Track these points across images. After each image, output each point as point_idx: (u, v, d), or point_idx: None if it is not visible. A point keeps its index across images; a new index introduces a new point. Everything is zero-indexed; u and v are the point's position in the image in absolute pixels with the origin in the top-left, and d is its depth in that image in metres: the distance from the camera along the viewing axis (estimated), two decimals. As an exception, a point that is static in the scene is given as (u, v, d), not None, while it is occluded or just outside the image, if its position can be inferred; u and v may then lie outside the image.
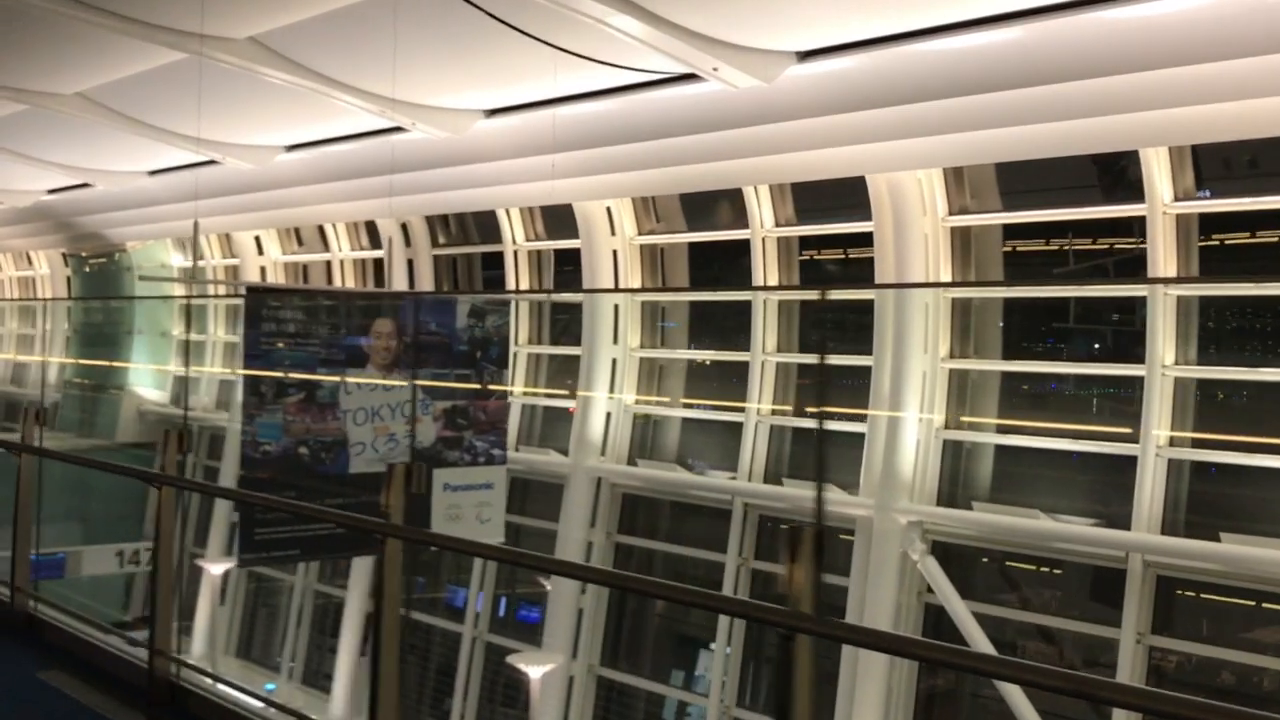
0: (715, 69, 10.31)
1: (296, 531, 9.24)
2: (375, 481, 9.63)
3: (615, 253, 15.37)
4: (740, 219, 14.64)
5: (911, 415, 11.99)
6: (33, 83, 14.84)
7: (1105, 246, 12.63)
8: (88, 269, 27.48)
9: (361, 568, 18.18)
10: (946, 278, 12.21)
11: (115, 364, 24.98)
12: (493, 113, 13.95)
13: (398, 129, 14.69)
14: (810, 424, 13.62)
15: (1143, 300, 11.18)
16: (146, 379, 24.97)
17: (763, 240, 13.80)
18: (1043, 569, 12.35)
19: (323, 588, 19.81)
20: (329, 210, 18.67)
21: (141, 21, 11.32)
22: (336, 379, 9.53)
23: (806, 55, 10.79)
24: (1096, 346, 12.46)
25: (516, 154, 13.87)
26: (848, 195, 13.54)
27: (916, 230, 12.00)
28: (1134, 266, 12.85)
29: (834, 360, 13.59)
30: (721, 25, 10.02)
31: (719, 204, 15.34)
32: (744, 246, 14.65)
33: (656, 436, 15.61)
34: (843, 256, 13.85)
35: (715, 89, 10.94)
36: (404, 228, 18.54)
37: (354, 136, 15.89)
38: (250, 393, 9.23)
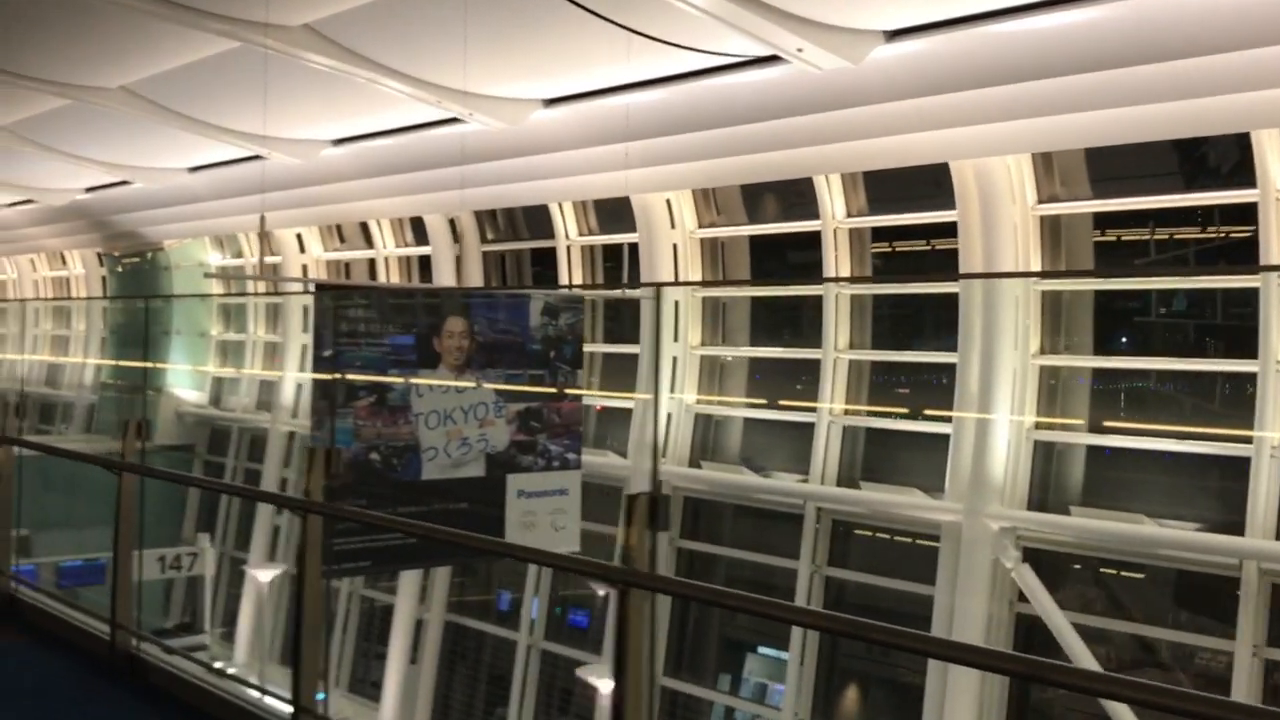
0: (800, 50, 9.72)
1: (371, 542, 8.72)
2: (449, 488, 9.13)
3: (675, 246, 14.82)
4: (787, 212, 14.12)
5: (1003, 415, 11.37)
6: (77, 76, 14.38)
7: (1196, 235, 12.02)
8: (121, 268, 27.10)
9: (413, 573, 17.70)
10: (1037, 269, 11.60)
11: (154, 365, 24.58)
12: (552, 102, 13.40)
13: (451, 120, 14.17)
14: (887, 425, 13.03)
15: (1243, 293, 10.58)
16: (185, 380, 24.56)
17: (834, 231, 13.20)
18: (1123, 574, 11.73)
19: (369, 593, 19.33)
20: (375, 206, 18.17)
21: (197, 9, 10.81)
22: (403, 380, 8.99)
23: (895, 35, 10.18)
24: (1192, 341, 11.83)
25: (578, 144, 13.32)
26: (922, 183, 12.96)
27: (1005, 219, 11.38)
28: (1218, 256, 12.23)
29: (915, 357, 12.99)
30: (808, 3, 9.43)
31: (764, 197, 14.82)
32: (808, 239, 14.10)
33: (718, 438, 15.04)
34: (924, 248, 13.21)
35: (796, 72, 10.35)
36: (452, 224, 18.04)
37: (404, 129, 15.36)
38: (320, 396, 8.71)
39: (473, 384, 9.27)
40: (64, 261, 30.81)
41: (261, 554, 20.95)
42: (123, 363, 25.40)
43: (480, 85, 12.82)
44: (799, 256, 15.64)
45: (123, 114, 15.89)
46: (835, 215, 13.18)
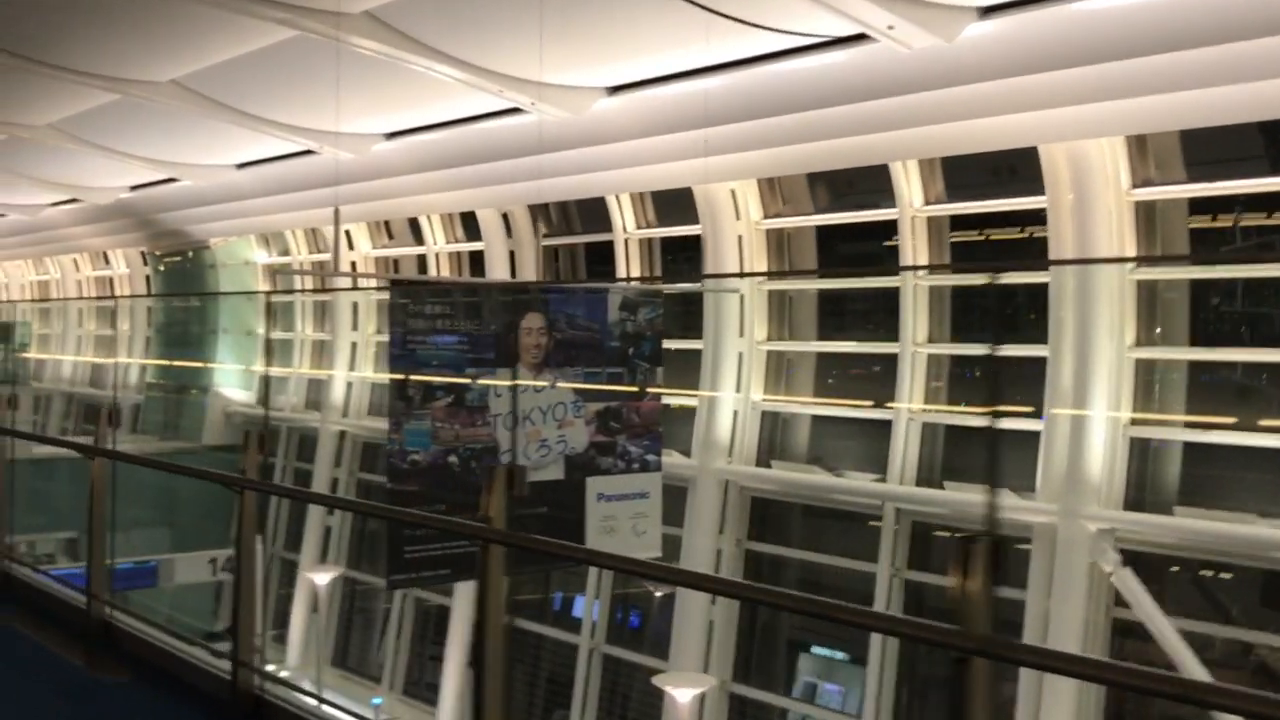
0: (891, 27, 9.23)
1: (448, 549, 8.31)
2: (530, 494, 8.69)
3: (740, 238, 14.33)
4: (838, 202, 13.64)
5: (1099, 411, 10.83)
6: (127, 70, 14.06)
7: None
8: (165, 267, 26.87)
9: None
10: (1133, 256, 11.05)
11: (200, 365, 24.34)
12: (616, 90, 12.95)
13: (510, 111, 13.75)
14: (969, 422, 12.50)
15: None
16: (232, 379, 24.30)
17: (912, 219, 12.68)
18: (1223, 575, 11.17)
19: (423, 594, 18.97)
20: (427, 201, 17.77)
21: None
22: (472, 379, 8.57)
23: (988, 11, 9.67)
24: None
25: (644, 133, 12.87)
26: (1002, 169, 12.44)
27: (1101, 205, 10.83)
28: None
29: (1002, 350, 12.45)
30: (901, -22, 8.94)
31: (816, 186, 14.36)
32: (878, 229, 13.61)
33: (785, 436, 14.55)
34: (1014, 235, 12.64)
35: (884, 52, 9.85)
36: (505, 218, 17.63)
37: (460, 121, 14.95)
38: (396, 396, 8.30)
39: (549, 383, 8.83)
40: (106, 261, 30.65)
41: (314, 556, 20.66)
42: (166, 362, 25.16)
43: (546, 73, 12.38)
44: (850, 248, 15.18)
45: (171, 109, 15.59)
46: (913, 203, 12.65)
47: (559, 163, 14.55)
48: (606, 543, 9.08)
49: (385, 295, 21.11)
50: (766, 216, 14.37)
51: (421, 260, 19.93)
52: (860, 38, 9.78)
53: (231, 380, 24.33)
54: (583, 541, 8.93)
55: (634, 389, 9.41)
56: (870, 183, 13.83)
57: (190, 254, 24.91)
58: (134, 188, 22.64)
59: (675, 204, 15.67)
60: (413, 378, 8.26)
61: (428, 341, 8.38)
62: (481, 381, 8.54)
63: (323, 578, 17.10)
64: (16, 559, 7.69)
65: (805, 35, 9.75)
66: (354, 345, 21.12)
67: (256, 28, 12.47)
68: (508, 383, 8.65)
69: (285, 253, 23.66)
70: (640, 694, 15.24)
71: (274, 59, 13.87)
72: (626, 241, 16.06)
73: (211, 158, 18.95)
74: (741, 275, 14.49)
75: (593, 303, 9.20)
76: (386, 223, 20.96)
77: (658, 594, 15.62)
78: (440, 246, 19.38)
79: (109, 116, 16.95)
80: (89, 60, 13.94)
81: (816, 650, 14.10)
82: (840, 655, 13.78)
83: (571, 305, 9.07)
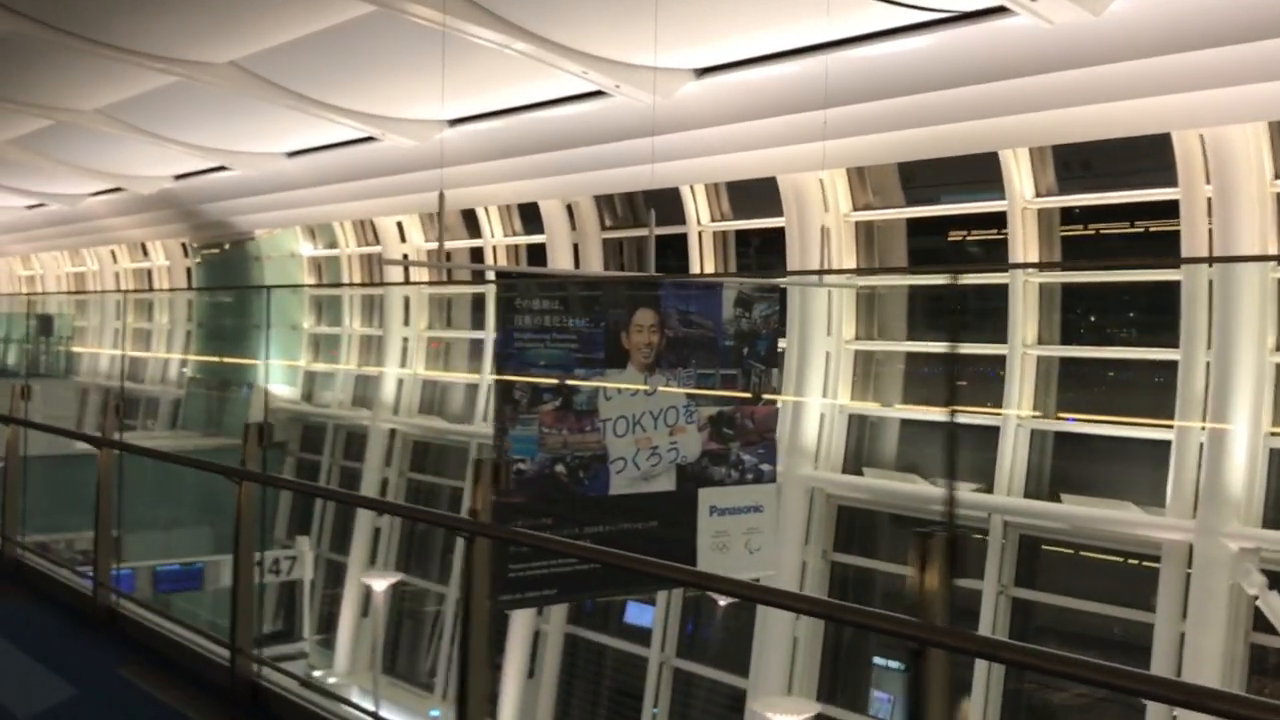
0: None
1: (555, 567, 7.56)
2: (637, 505, 7.93)
3: (825, 230, 13.50)
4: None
5: (1239, 420, 9.98)
6: (185, 50, 13.35)
7: None
8: (205, 259, 26.22)
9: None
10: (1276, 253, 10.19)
11: (244, 360, 23.71)
12: (705, 72, 12.17)
13: (587, 95, 12.99)
14: (1084, 430, 11.67)
15: None
16: (276, 374, 23.63)
17: (1022, 212, 11.83)
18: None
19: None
20: (491, 191, 17.02)
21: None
22: (581, 379, 7.80)
23: (1139, -18, 8.83)
24: None
25: (738, 118, 12.08)
26: (1119, 158, 11.59)
27: (1244, 197, 9.97)
28: None
29: (1122, 354, 11.59)
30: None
31: (907, 176, 13.53)
32: (974, 222, 12.81)
33: (873, 442, 13.75)
34: (1131, 229, 11.77)
35: (1023, 28, 9.02)
36: (569, 209, 16.87)
37: (530, 107, 14.18)
38: (503, 400, 7.54)
39: (660, 385, 8.06)
40: (145, 253, 30.07)
41: (362, 558, 19.99)
42: (209, 357, 24.52)
43: (631, 54, 11.63)
44: (934, 242, 14.35)
45: (226, 93, 14.89)
46: (1024, 194, 11.81)
47: (635, 151, 13.78)
48: (718, 561, 8.31)
49: (439, 289, 20.42)
50: (856, 208, 13.56)
51: (477, 253, 19.19)
52: (999, 10, 8.95)
53: (275, 375, 23.66)
54: (693, 562, 8.17)
55: (747, 394, 8.61)
56: (967, 173, 13.03)
57: (234, 246, 24.25)
58: (178, 177, 21.99)
59: (750, 196, 14.91)
60: (519, 379, 7.49)
61: (537, 339, 7.62)
62: (592, 383, 7.77)
63: (380, 583, 16.36)
64: (27, 547, 7.87)
65: (941, 10, 8.92)
66: (405, 340, 20.41)
67: (325, 5, 11.77)
68: (622, 385, 7.87)
69: (332, 245, 22.98)
70: (719, 713, 14.47)
71: (336, 40, 13.16)
72: (700, 235, 15.27)
73: (263, 145, 18.25)
74: (817, 272, 13.65)
75: (707, 298, 8.42)
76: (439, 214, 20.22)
77: (721, 602, 14.85)
78: (498, 239, 18.64)
79: (159, 101, 16.27)
80: (145, 40, 13.24)
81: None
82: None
83: (685, 301, 8.30)
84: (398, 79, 14.43)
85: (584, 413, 7.87)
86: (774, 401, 9.00)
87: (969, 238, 13.06)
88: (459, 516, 4.75)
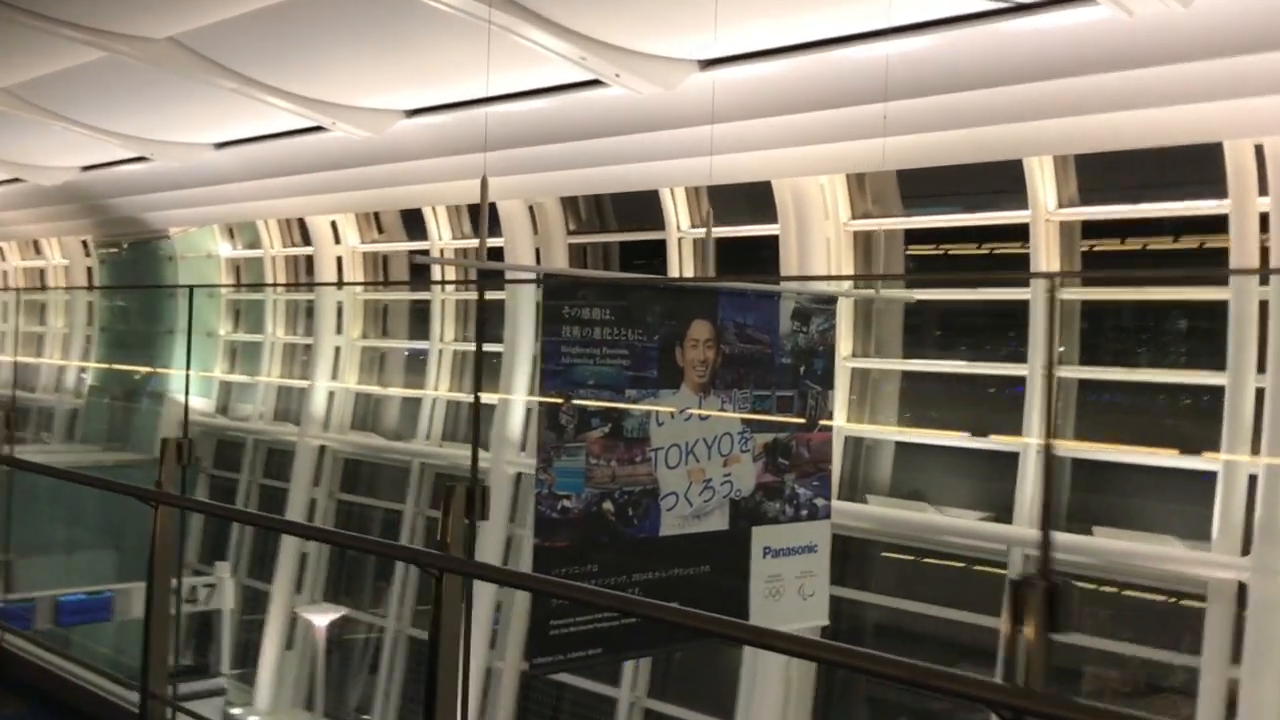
0: (1121, -13, 7.59)
1: (600, 623, 6.46)
2: (688, 547, 6.88)
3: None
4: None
5: (1297, 451, 9.31)
6: (121, 22, 11.91)
7: None
8: (110, 259, 24.36)
9: (479, 610, 15.36)
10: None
11: (154, 369, 21.98)
12: (710, 64, 11.19)
13: (583, 84, 11.92)
14: (1110, 456, 10.93)
15: None
16: (189, 385, 21.95)
17: (1045, 224, 11.08)
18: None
19: (420, 632, 16.92)
20: (448, 190, 15.78)
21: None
22: (633, 401, 6.73)
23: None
24: None
25: (759, 113, 11.12)
26: (1143, 170, 10.92)
27: (1304, 211, 9.32)
28: None
29: (1163, 376, 10.86)
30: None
31: (906, 184, 12.75)
32: (985, 234, 12.08)
33: (869, 467, 12.87)
34: (1170, 245, 11.07)
35: (1102, 21, 8.21)
36: (531, 211, 15.73)
37: (507, 97, 13.02)
38: (547, 425, 6.43)
39: (715, 409, 7.02)
40: (38, 250, 27.96)
41: (288, 585, 18.49)
42: (126, 365, 22.70)
43: (637, 41, 10.60)
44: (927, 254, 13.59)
45: (157, 74, 13.42)
46: (1047, 206, 11.05)
47: (624, 148, 12.77)
48: (771, 610, 7.29)
49: (376, 296, 19.07)
50: (855, 216, 12.71)
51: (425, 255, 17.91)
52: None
53: (189, 385, 21.98)
54: (746, 614, 7.14)
55: (802, 418, 7.62)
56: (973, 183, 12.30)
57: (143, 244, 22.50)
58: (86, 168, 20.24)
59: (732, 201, 13.99)
60: (555, 398, 6.38)
61: (586, 354, 6.52)
62: (643, 406, 6.70)
63: (321, 619, 14.92)
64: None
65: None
66: (337, 350, 19.00)
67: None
68: (676, 408, 6.79)
69: (253, 245, 21.44)
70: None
71: (290, 18, 11.91)
72: (680, 241, 14.27)
73: (190, 134, 16.72)
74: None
75: (764, 309, 7.41)
76: (376, 215, 18.91)
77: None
78: (446, 241, 17.38)
79: (76, 81, 14.71)
80: (73, 9, 11.77)
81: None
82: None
83: (742, 311, 7.28)
84: (359, 64, 13.18)
85: (634, 440, 6.79)
86: (829, 427, 8.02)
87: (979, 250, 12.28)
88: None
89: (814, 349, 7.70)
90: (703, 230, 14.31)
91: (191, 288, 21.01)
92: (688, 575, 6.96)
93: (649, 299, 6.93)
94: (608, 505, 6.65)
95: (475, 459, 5.87)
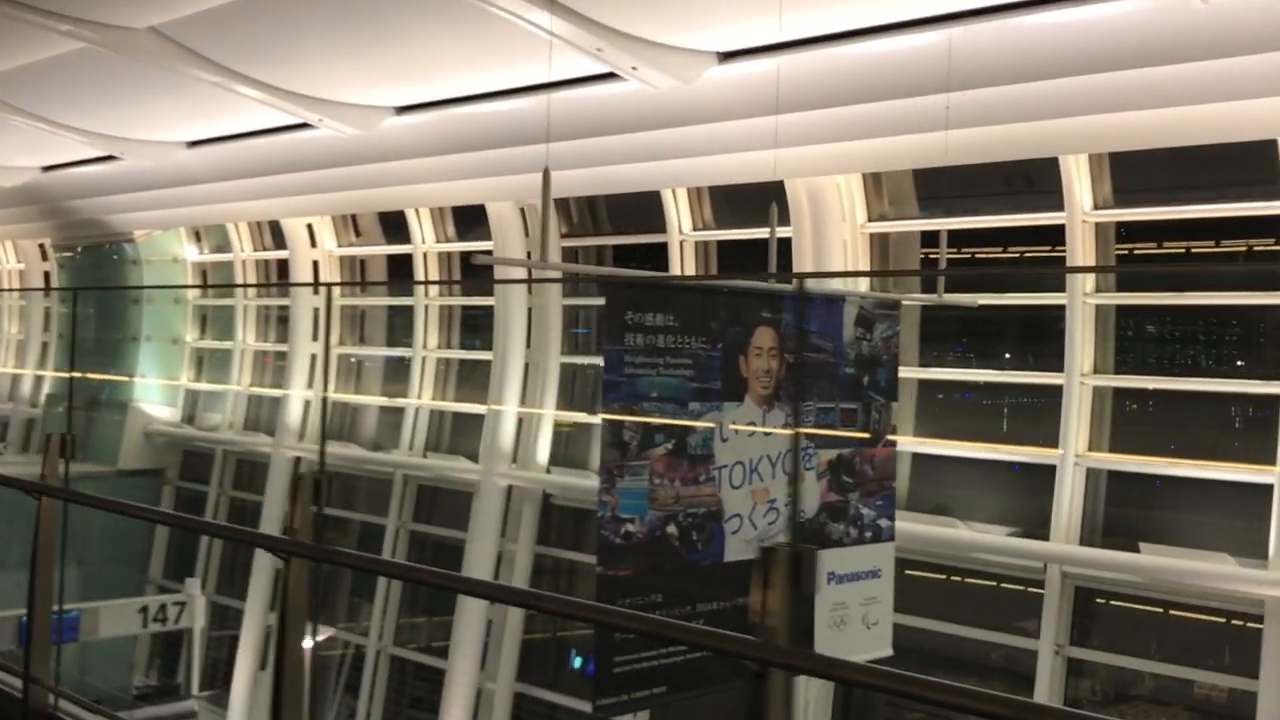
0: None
1: (668, 658, 5.85)
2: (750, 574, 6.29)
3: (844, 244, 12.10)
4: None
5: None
6: (101, 13, 11.14)
7: None
8: (65, 262, 23.37)
9: (465, 624, 14.68)
10: None
11: (117, 377, 21.05)
12: (729, 56, 10.63)
13: (585, 80, 11.30)
14: (1150, 469, 10.47)
15: None
16: (154, 394, 21.05)
17: (1081, 224, 10.60)
18: None
19: (401, 652, 16.20)
20: (436, 191, 15.10)
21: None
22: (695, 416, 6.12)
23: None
24: None
25: (783, 108, 10.53)
26: (1182, 170, 10.50)
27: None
28: None
29: (1221, 386, 10.40)
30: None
31: (924, 184, 12.31)
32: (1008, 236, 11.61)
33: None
34: (1226, 248, 10.60)
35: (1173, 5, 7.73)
36: (523, 213, 15.09)
37: (512, 92, 12.38)
38: (610, 442, 5.80)
39: (779, 424, 6.43)
40: (-10, 254, 26.88)
41: (262, 603, 17.67)
42: (87, 373, 21.74)
43: (657, 31, 10.00)
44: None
45: (133, 67, 12.67)
46: (1083, 207, 10.58)
47: (630, 146, 12.16)
48: (836, 640, 6.71)
49: (356, 301, 18.32)
50: (871, 219, 12.19)
51: (405, 261, 17.21)
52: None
53: (152, 394, 21.07)
54: (810, 641, 6.55)
55: (866, 433, 7.05)
56: (990, 184, 11.84)
57: (105, 248, 21.58)
58: (48, 168, 19.32)
59: (740, 202, 13.48)
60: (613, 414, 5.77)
61: (649, 365, 5.91)
62: (704, 422, 6.09)
63: (306, 640, 14.10)
64: None
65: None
66: (313, 357, 18.23)
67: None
68: (739, 423, 6.19)
69: (219, 249, 20.61)
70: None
71: (274, 10, 11.25)
72: (682, 244, 13.69)
73: (162, 132, 15.90)
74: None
75: (828, 315, 6.83)
76: (354, 218, 18.16)
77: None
78: (430, 245, 16.68)
79: (44, 76, 13.89)
80: (49, -3, 11.00)
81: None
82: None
83: (806, 317, 6.70)
84: (348, 57, 12.49)
85: (698, 458, 6.19)
86: (893, 442, 7.46)
87: (1005, 254, 11.80)
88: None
89: (877, 357, 7.15)
90: (705, 232, 13.79)
91: (215, 286, 20.11)
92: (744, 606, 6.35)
93: (712, 303, 6.34)
94: (671, 529, 6.05)
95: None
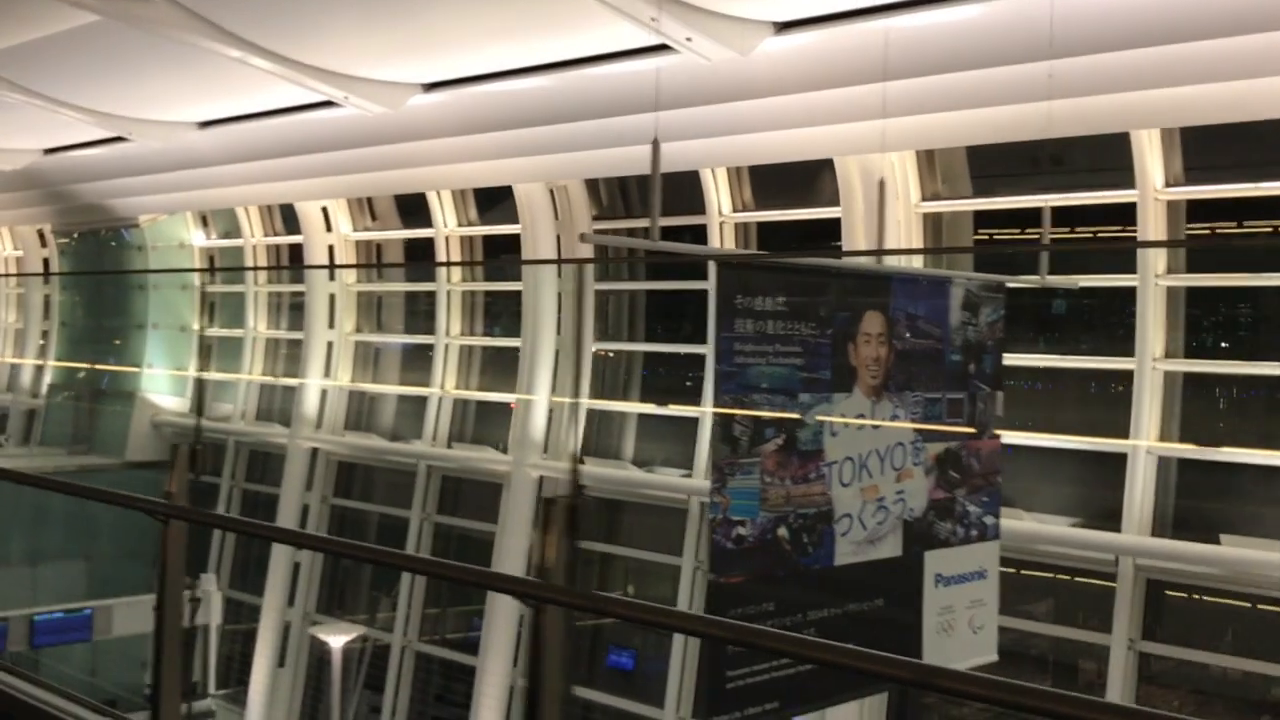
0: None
1: (776, 670, 5.39)
2: (862, 578, 5.74)
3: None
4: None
5: None
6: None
7: None
8: (66, 249, 22.75)
9: (500, 624, 14.21)
10: None
11: (123, 366, 20.50)
12: (786, 26, 10.11)
13: (635, 52, 10.78)
14: (1227, 458, 10.02)
15: None
16: (162, 384, 20.49)
17: (1153, 202, 10.14)
18: None
19: (427, 648, 15.73)
20: (462, 172, 14.56)
21: None
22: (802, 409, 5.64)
23: None
24: None
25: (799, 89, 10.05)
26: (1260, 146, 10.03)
27: None
28: None
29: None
30: None
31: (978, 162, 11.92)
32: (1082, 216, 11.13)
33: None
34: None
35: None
36: (552, 195, 14.57)
37: (547, 67, 11.84)
38: (721, 438, 5.32)
39: (888, 416, 5.95)
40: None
41: (280, 598, 17.19)
42: (93, 363, 21.17)
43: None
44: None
45: (145, 41, 12.11)
46: (1155, 184, 10.11)
47: (666, 124, 11.60)
48: (944, 646, 6.27)
49: (370, 287, 17.80)
50: (925, 198, 11.71)
51: (425, 246, 16.67)
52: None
53: (160, 384, 20.52)
54: (918, 653, 6.10)
55: (971, 426, 6.58)
56: (1043, 161, 11.38)
57: (107, 234, 20.98)
58: (49, 150, 18.70)
59: (773, 183, 13.01)
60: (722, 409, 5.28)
61: (759, 353, 5.43)
62: (817, 416, 5.60)
63: (337, 639, 13.63)
64: None
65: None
66: (330, 345, 17.69)
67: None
68: (849, 417, 5.71)
69: (228, 234, 20.03)
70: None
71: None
72: (722, 226, 13.18)
73: (174, 112, 15.33)
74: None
75: (934, 298, 6.36)
76: (369, 201, 17.60)
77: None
78: (452, 228, 16.14)
79: (53, 53, 13.30)
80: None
81: None
82: None
83: (914, 301, 6.22)
84: (374, 31, 11.93)
85: (808, 454, 5.71)
86: (999, 434, 6.99)
87: (1071, 234, 11.31)
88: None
89: (983, 343, 6.67)
90: (745, 214, 13.29)
91: (229, 269, 19.54)
92: (861, 611, 5.92)
93: (822, 286, 5.85)
94: (782, 531, 5.58)
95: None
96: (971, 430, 6.65)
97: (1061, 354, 11.17)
